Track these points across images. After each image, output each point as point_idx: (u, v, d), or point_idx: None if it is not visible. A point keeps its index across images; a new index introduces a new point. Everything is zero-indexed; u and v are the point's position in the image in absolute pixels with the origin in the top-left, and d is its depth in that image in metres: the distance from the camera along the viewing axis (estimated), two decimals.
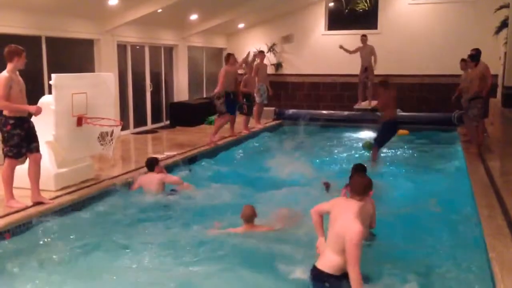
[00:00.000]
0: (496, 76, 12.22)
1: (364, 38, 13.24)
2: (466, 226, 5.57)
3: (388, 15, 14.95)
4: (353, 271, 3.64)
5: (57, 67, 9.08)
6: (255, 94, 12.05)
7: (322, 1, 15.46)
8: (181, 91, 14.03)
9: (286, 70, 16.05)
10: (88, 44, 10.53)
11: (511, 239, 4.75)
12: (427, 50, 14.33)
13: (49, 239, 5.23)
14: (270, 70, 14.65)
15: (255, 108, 12.31)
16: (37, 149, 5.86)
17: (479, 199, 6.11)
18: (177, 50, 13.82)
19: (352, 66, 13.82)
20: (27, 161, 5.88)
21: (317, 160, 9.26)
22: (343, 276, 3.80)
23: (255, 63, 12.10)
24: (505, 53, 12.20)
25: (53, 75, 6.23)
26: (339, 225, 3.86)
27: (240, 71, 11.60)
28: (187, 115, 13.05)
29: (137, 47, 12.33)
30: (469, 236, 5.27)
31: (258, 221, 5.42)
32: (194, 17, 12.97)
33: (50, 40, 9.35)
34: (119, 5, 9.85)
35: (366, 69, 13.17)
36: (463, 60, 10.66)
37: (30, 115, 5.80)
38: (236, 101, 10.78)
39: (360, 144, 10.66)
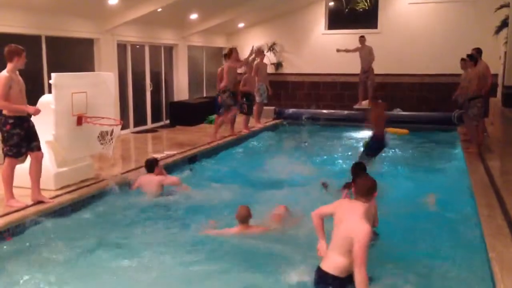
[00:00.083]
0: (496, 75, 12.23)
1: (362, 39, 13.25)
2: (466, 226, 5.57)
3: (388, 14, 14.93)
4: (360, 272, 3.65)
5: (57, 66, 9.07)
6: (255, 94, 12.06)
7: (322, 0, 15.46)
8: (181, 91, 14.04)
9: (286, 69, 16.05)
10: (88, 44, 10.53)
11: (511, 239, 4.76)
12: (427, 49, 14.31)
13: (49, 239, 5.23)
14: (270, 70, 14.65)
15: (255, 108, 12.32)
16: (38, 148, 5.87)
17: (479, 199, 6.12)
18: (177, 49, 13.82)
19: (352, 65, 13.83)
20: (28, 160, 5.89)
21: (317, 160, 9.26)
22: (348, 279, 3.81)
23: (255, 62, 12.09)
24: (505, 53, 12.19)
25: (53, 75, 6.23)
26: (345, 226, 3.86)
27: (239, 70, 11.60)
28: (187, 114, 13.05)
29: (137, 46, 12.32)
30: (469, 236, 5.27)
31: (253, 222, 5.40)
32: (194, 16, 12.97)
33: (50, 40, 9.34)
34: (119, 4, 9.84)
35: (366, 70, 13.18)
36: (463, 59, 10.66)
37: (29, 114, 5.80)
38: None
39: (360, 144, 10.66)
